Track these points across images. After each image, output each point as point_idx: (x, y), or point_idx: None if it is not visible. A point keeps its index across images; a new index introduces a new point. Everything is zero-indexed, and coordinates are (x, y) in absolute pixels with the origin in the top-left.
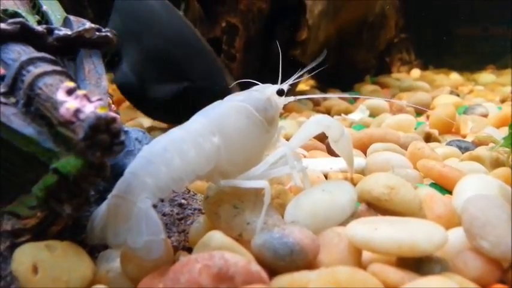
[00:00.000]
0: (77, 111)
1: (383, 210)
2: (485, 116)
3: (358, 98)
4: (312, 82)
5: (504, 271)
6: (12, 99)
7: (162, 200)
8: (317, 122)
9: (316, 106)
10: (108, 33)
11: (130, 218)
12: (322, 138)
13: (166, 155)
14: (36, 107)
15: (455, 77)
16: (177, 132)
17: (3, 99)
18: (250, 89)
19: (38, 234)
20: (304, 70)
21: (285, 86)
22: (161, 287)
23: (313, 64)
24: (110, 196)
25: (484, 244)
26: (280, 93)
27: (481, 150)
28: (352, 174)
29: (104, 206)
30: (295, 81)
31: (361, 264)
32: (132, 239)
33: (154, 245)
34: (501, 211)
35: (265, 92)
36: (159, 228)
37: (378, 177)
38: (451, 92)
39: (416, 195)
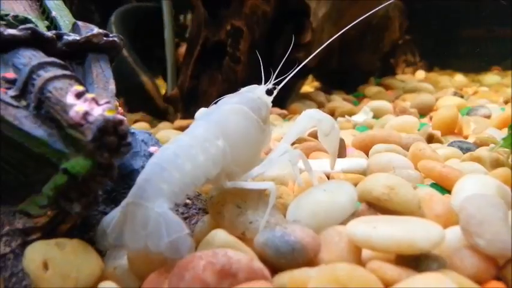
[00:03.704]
0: (86, 114)
1: (383, 209)
2: (488, 117)
3: (362, 99)
4: (316, 84)
5: (500, 268)
6: (23, 102)
7: (177, 205)
8: (309, 116)
9: (321, 107)
10: (116, 39)
11: (148, 223)
12: None
13: (177, 161)
14: (46, 109)
15: (459, 78)
16: (184, 139)
17: (14, 103)
18: (241, 91)
19: (48, 232)
20: (292, 71)
21: (271, 86)
22: (166, 283)
23: (301, 65)
24: (124, 203)
25: (480, 242)
26: (269, 92)
27: (481, 151)
28: (333, 168)
29: (115, 212)
30: (280, 79)
31: (360, 262)
32: (154, 244)
33: (181, 241)
34: (497, 210)
35: (255, 92)
36: (181, 225)
37: (378, 177)
38: (455, 94)
39: (416, 195)
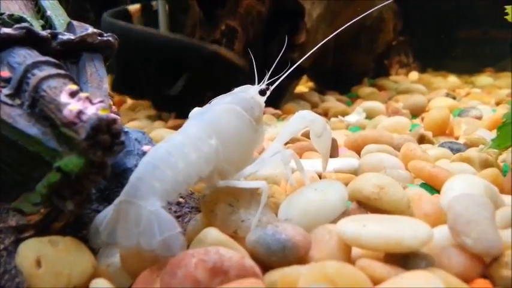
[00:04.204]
0: (80, 113)
1: (373, 208)
2: (479, 118)
3: (355, 99)
4: (310, 84)
5: (486, 266)
6: (18, 101)
7: (169, 203)
8: (301, 117)
9: (314, 108)
10: (110, 38)
11: (141, 221)
12: None
13: (170, 159)
14: (40, 108)
15: (453, 79)
16: (177, 137)
17: (9, 101)
18: (234, 91)
19: (42, 229)
20: (285, 72)
21: (264, 86)
22: (159, 281)
23: (294, 66)
24: (117, 201)
25: (467, 241)
26: (262, 93)
27: (471, 152)
28: (325, 170)
29: (108, 210)
30: (273, 80)
31: (350, 260)
32: (146, 242)
33: (173, 239)
34: (484, 209)
35: (249, 92)
36: (174, 223)
37: (368, 177)
38: (447, 95)
39: (405, 194)
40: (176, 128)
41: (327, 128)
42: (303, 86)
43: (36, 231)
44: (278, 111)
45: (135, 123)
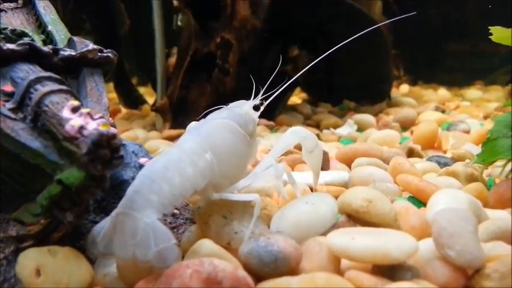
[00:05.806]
0: (81, 128)
1: (362, 221)
2: (467, 132)
3: (347, 112)
4: (303, 95)
5: (468, 278)
6: (20, 115)
7: (165, 215)
8: (294, 133)
9: (307, 120)
10: (110, 54)
11: (137, 233)
12: None
13: (167, 174)
14: (42, 122)
15: (443, 92)
16: (173, 152)
17: (12, 115)
18: (229, 106)
19: (41, 240)
20: (279, 88)
21: (258, 101)
22: None
23: (288, 82)
24: (114, 213)
25: (450, 253)
26: (256, 108)
27: (457, 166)
28: (316, 185)
29: (105, 222)
30: (267, 95)
31: (339, 271)
32: (141, 253)
33: (168, 251)
34: (467, 223)
35: (243, 107)
36: (169, 235)
37: (357, 190)
38: (437, 108)
39: (392, 208)
40: (171, 138)
41: (319, 145)
42: (296, 97)
43: (35, 241)
44: (271, 123)
45: (130, 133)
